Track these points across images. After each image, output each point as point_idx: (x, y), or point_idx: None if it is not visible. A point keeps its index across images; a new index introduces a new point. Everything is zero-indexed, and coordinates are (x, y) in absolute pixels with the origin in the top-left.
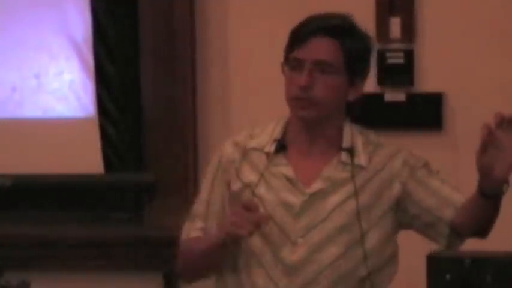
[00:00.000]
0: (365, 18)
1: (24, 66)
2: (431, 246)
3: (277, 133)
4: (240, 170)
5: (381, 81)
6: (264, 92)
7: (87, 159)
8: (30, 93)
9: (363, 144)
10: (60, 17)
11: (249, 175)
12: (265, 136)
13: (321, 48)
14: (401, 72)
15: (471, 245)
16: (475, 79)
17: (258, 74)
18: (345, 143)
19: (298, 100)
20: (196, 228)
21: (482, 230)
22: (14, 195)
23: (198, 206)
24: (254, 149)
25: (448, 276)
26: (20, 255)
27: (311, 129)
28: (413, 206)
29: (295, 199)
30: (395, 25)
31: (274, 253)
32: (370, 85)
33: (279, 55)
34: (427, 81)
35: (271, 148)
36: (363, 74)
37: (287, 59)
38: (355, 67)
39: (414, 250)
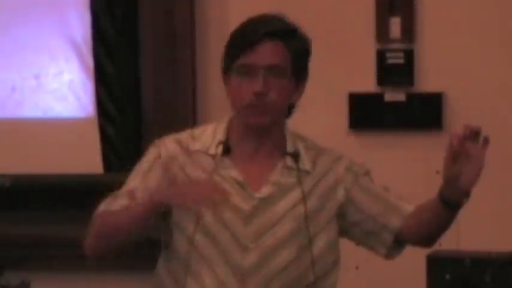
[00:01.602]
0: (365, 18)
1: (24, 66)
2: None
3: (220, 135)
4: (187, 168)
5: (380, 81)
6: None
7: (86, 159)
8: (29, 93)
9: (305, 149)
10: (60, 17)
11: (198, 176)
12: (208, 138)
13: (272, 53)
14: (401, 72)
15: (471, 245)
16: (475, 79)
17: None
18: (289, 148)
19: (252, 107)
20: (119, 204)
21: (429, 239)
22: (14, 195)
23: (123, 190)
24: (198, 151)
25: (448, 276)
26: (20, 255)
27: (257, 134)
28: (355, 212)
29: (244, 203)
30: (395, 25)
31: (225, 258)
32: (370, 85)
33: None
34: (427, 81)
35: (217, 150)
36: (305, 75)
37: (231, 66)
38: (300, 69)
39: (414, 250)
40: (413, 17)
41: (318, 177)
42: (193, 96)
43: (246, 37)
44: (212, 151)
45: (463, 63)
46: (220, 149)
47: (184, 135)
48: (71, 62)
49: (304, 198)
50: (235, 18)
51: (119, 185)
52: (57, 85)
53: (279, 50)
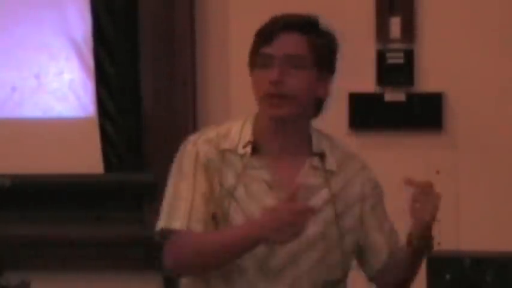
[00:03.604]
0: (365, 18)
1: (24, 66)
2: None
3: (247, 134)
4: (221, 171)
5: (380, 81)
6: None
7: (87, 159)
8: (30, 93)
9: (330, 148)
10: (60, 17)
11: (229, 178)
12: (235, 136)
13: (291, 43)
14: (401, 72)
15: (471, 245)
16: (475, 79)
17: None
18: (315, 148)
19: (270, 97)
20: (195, 220)
21: (398, 286)
22: (14, 195)
23: (182, 202)
24: (228, 150)
25: (448, 276)
26: (20, 255)
27: (283, 129)
28: (361, 234)
29: (273, 204)
30: (395, 25)
31: (254, 258)
32: (370, 85)
33: None
34: (427, 81)
35: (246, 150)
36: (331, 69)
37: (254, 59)
38: (323, 62)
39: None
40: (413, 17)
41: (346, 181)
42: (193, 96)
43: (266, 30)
44: (241, 151)
45: (463, 63)
46: (248, 148)
47: (211, 134)
48: (71, 61)
49: (332, 199)
50: (235, 18)
51: (119, 184)
52: (57, 85)
53: (298, 41)
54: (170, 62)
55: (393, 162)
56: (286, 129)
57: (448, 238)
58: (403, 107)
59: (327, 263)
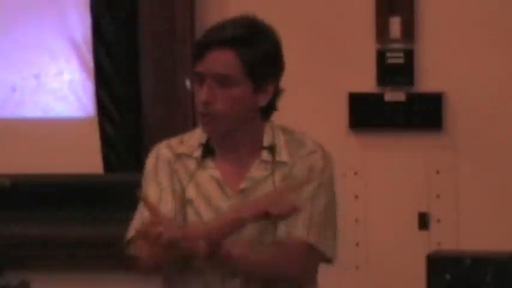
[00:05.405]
0: (365, 18)
1: (24, 66)
2: (432, 246)
3: (203, 138)
4: (176, 172)
5: (381, 81)
6: None
7: (87, 159)
8: (30, 93)
9: (286, 142)
10: (60, 17)
11: (183, 178)
12: (194, 141)
13: (218, 62)
14: (401, 72)
15: (471, 245)
16: (475, 79)
17: None
18: (266, 142)
19: (202, 116)
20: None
21: None
22: (14, 195)
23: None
24: (184, 154)
25: (448, 276)
26: (20, 255)
27: (225, 141)
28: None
29: (222, 202)
30: (395, 25)
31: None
32: (370, 85)
33: None
34: (427, 81)
35: (198, 153)
36: (272, 77)
37: (193, 75)
38: (259, 74)
39: (414, 250)
40: (413, 17)
41: (290, 168)
42: (193, 96)
43: (198, 45)
44: (196, 154)
45: (463, 63)
46: (200, 150)
47: (174, 140)
48: (71, 62)
49: (275, 189)
50: None
51: (119, 184)
52: (57, 85)
53: (228, 58)
54: (170, 62)
55: (393, 162)
56: (230, 140)
57: (448, 238)
58: (403, 107)
59: None
